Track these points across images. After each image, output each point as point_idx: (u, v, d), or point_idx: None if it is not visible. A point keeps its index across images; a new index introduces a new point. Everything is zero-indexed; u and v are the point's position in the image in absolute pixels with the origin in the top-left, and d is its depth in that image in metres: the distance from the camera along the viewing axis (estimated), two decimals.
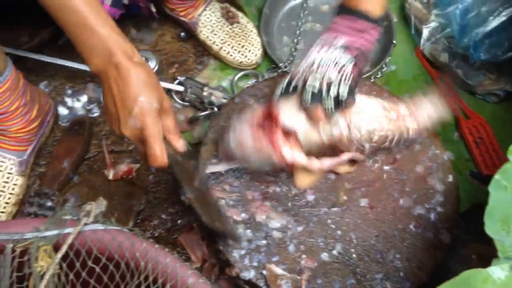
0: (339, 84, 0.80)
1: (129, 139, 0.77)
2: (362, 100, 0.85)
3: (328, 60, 0.81)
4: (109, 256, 0.70)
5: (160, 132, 0.72)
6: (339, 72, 0.81)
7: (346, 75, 0.81)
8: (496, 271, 0.58)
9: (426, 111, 0.90)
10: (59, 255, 0.68)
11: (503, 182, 0.65)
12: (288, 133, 0.81)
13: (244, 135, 0.81)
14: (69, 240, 0.69)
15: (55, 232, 0.70)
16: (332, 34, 0.83)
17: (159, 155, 0.71)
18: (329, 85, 0.80)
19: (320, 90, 0.80)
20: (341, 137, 0.83)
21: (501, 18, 1.12)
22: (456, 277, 0.58)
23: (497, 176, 0.65)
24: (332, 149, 0.86)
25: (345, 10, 0.84)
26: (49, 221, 0.72)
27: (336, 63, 0.81)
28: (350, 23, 0.83)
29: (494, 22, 1.12)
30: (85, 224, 0.71)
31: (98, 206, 0.73)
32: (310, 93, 0.80)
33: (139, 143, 0.74)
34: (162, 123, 0.73)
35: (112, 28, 0.71)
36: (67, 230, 0.70)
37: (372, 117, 0.85)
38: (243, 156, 0.82)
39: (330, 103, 0.80)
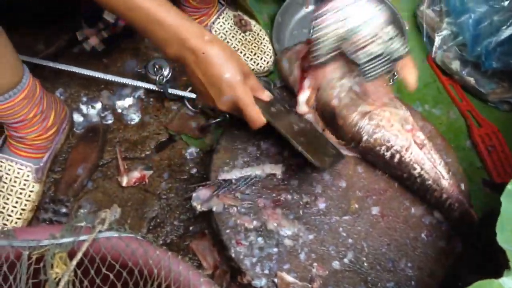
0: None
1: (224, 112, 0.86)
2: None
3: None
4: (123, 263, 0.71)
5: (251, 97, 0.81)
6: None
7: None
8: (509, 282, 0.58)
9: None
10: (74, 262, 0.69)
11: None
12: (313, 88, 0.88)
13: (291, 56, 0.94)
14: (83, 248, 0.70)
15: (70, 239, 0.71)
16: None
17: (257, 118, 0.82)
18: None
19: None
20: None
21: None
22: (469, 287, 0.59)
23: (509, 186, 0.66)
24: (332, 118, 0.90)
25: None
26: (65, 228, 0.74)
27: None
28: None
29: (507, 32, 1.12)
30: (100, 231, 0.72)
31: (113, 213, 0.75)
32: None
33: (236, 111, 0.83)
34: (247, 85, 0.81)
35: (176, 15, 0.76)
36: (82, 238, 0.71)
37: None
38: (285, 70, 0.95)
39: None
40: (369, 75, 0.83)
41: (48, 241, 0.69)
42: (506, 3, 1.12)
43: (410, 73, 0.86)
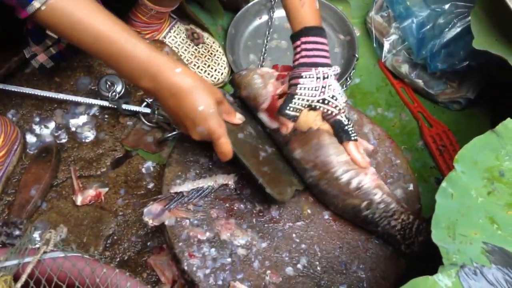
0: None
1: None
2: None
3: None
4: (70, 283, 0.71)
5: (223, 130, 0.82)
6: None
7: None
8: (443, 278, 0.60)
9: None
10: (19, 285, 0.68)
11: (449, 190, 0.67)
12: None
13: (265, 74, 0.96)
14: (28, 270, 0.69)
15: (15, 262, 0.71)
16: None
17: (227, 153, 0.83)
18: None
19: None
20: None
21: (456, 30, 1.15)
22: (404, 285, 0.60)
23: (443, 184, 0.68)
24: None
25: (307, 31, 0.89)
26: (10, 251, 0.73)
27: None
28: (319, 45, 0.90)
29: (449, 34, 1.15)
30: (45, 252, 0.71)
31: (58, 233, 0.74)
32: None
33: (209, 140, 0.83)
34: (220, 112, 0.83)
35: (145, 48, 0.76)
36: (26, 260, 0.71)
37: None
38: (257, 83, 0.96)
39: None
40: (353, 135, 0.89)
41: None
42: (447, 6, 1.16)
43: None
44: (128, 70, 0.77)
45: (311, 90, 0.87)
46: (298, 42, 0.90)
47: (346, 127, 0.89)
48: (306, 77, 0.87)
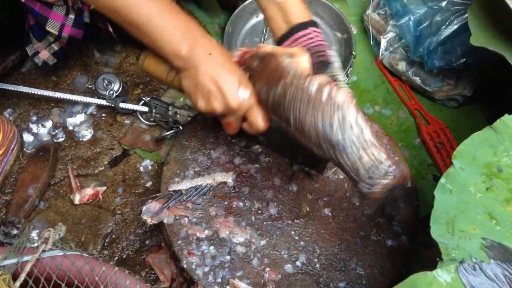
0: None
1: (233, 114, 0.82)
2: None
3: None
4: (69, 282, 0.71)
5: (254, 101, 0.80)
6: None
7: None
8: (442, 273, 0.60)
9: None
10: (18, 283, 0.68)
11: (447, 186, 0.67)
12: None
13: None
14: (27, 268, 0.69)
15: (13, 260, 0.71)
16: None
17: (265, 119, 0.81)
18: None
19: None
20: None
21: (453, 27, 1.15)
22: (403, 281, 0.60)
23: (442, 180, 0.68)
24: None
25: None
26: (8, 250, 0.73)
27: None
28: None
29: (446, 31, 1.16)
30: (43, 251, 0.71)
31: (57, 232, 0.74)
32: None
33: (233, 113, 0.81)
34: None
35: (186, 16, 0.80)
36: (25, 258, 0.71)
37: None
38: None
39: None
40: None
41: None
42: (444, 3, 1.16)
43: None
44: (168, 32, 0.78)
45: None
46: (301, 34, 0.88)
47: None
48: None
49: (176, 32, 0.79)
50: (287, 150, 0.95)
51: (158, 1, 0.79)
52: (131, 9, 0.78)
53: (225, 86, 0.78)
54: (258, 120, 0.81)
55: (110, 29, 1.12)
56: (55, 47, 1.09)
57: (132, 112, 1.19)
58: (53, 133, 1.15)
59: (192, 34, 0.79)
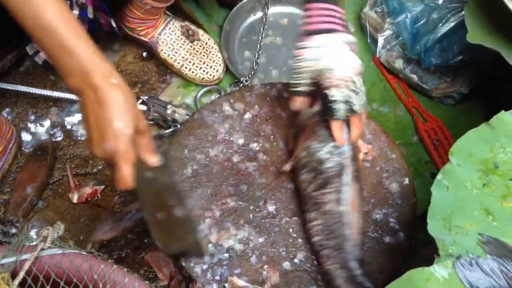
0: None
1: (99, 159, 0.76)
2: None
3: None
4: (68, 280, 0.71)
5: (131, 157, 0.71)
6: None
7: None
8: (439, 269, 0.60)
9: None
10: (17, 282, 0.68)
11: (444, 182, 0.67)
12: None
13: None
14: (26, 267, 0.69)
15: (12, 259, 0.71)
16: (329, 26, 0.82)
17: (125, 180, 0.71)
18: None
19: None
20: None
21: (450, 24, 1.16)
22: (400, 277, 0.61)
23: (439, 177, 0.68)
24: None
25: None
26: (7, 249, 0.73)
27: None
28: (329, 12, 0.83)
29: (443, 29, 1.16)
30: (42, 249, 0.71)
31: (55, 230, 0.74)
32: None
33: (110, 162, 0.73)
34: (137, 143, 0.73)
35: (89, 48, 0.70)
36: (24, 257, 0.71)
37: None
38: None
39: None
40: (335, 113, 0.83)
41: None
42: (441, 1, 1.17)
43: (354, 129, 0.85)
44: (65, 62, 0.69)
45: (309, 60, 0.82)
46: (305, 8, 0.84)
47: (330, 104, 0.82)
48: (305, 47, 0.82)
49: (72, 59, 0.69)
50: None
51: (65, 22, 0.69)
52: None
53: (95, 134, 0.71)
54: (120, 177, 0.72)
55: (113, 24, 1.11)
56: None
57: None
58: (51, 132, 1.16)
59: (88, 68, 0.69)
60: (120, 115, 0.69)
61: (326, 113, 0.84)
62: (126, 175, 0.71)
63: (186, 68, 1.26)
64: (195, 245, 0.84)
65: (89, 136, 0.71)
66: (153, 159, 0.77)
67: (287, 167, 0.91)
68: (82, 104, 0.71)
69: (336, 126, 0.84)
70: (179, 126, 1.16)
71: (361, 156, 0.93)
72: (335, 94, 0.81)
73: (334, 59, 0.81)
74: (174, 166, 0.92)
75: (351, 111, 0.83)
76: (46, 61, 1.09)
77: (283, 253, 0.87)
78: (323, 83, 0.82)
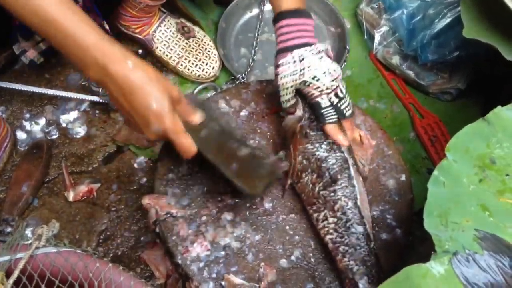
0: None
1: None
2: None
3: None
4: (63, 279, 0.71)
5: (180, 127, 0.74)
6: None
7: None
8: (436, 265, 0.60)
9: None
10: (11, 280, 0.68)
11: (441, 178, 0.67)
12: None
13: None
14: (20, 265, 0.69)
15: (6, 258, 0.70)
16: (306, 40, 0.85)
17: (188, 149, 0.75)
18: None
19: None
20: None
21: (446, 20, 1.15)
22: (397, 274, 0.60)
23: (435, 173, 0.68)
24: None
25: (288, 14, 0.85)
26: (2, 247, 0.73)
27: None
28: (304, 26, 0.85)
29: (440, 24, 1.16)
30: (37, 248, 0.71)
31: (50, 229, 0.74)
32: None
33: (167, 140, 0.76)
34: (177, 110, 0.75)
35: (96, 35, 0.68)
36: (18, 255, 0.71)
37: None
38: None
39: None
40: (329, 118, 0.87)
41: None
42: None
43: (348, 133, 0.90)
44: (78, 56, 0.69)
45: (291, 75, 0.85)
46: (276, 28, 0.87)
47: (323, 110, 0.87)
48: (283, 64, 0.84)
49: (83, 51, 0.69)
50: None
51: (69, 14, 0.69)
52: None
53: (139, 121, 0.73)
54: (182, 149, 0.76)
55: (106, 26, 1.11)
56: (42, 46, 1.08)
57: None
58: (47, 130, 1.15)
59: (101, 59, 0.69)
60: (151, 96, 0.69)
61: (320, 119, 0.88)
62: (185, 145, 0.75)
63: (181, 65, 1.25)
64: (272, 171, 0.85)
65: (135, 125, 0.73)
66: (198, 117, 0.80)
67: (288, 182, 0.91)
68: (109, 96, 0.72)
69: (334, 130, 0.88)
70: None
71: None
72: (326, 101, 0.86)
73: (317, 68, 0.84)
74: (215, 109, 0.94)
75: (342, 115, 0.88)
76: (33, 60, 1.09)
77: (280, 250, 0.87)
78: (312, 92, 0.86)
